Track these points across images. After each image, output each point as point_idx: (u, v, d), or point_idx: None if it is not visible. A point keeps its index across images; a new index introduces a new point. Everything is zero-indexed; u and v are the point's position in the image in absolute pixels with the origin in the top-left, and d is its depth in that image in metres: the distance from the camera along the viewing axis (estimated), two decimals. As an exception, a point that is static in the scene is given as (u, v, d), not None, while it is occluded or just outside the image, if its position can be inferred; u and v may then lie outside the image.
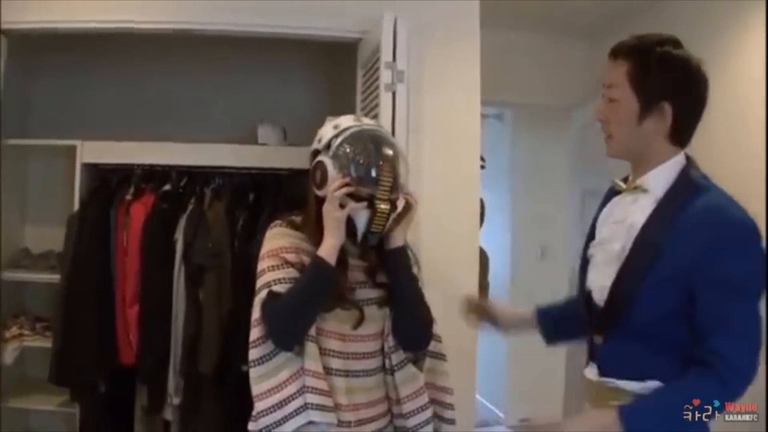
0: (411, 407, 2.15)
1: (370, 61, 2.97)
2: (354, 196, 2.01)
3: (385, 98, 2.77)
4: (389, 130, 2.71)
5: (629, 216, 1.83)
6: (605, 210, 1.99)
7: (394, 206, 2.06)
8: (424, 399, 2.17)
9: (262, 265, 2.06)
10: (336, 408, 2.03)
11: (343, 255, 2.08)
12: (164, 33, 3.26)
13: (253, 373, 2.01)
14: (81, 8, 3.12)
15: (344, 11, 3.15)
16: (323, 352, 2.06)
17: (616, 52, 1.85)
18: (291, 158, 3.46)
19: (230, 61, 3.92)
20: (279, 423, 1.97)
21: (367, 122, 2.14)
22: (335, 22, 3.17)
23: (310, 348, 2.02)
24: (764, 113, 1.60)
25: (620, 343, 1.83)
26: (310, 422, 1.98)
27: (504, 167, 5.98)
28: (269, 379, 2.00)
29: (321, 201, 2.05)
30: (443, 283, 3.06)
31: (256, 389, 2.00)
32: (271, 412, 1.98)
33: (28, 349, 3.71)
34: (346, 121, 2.10)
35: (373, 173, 2.01)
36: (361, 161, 2.03)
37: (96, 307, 3.37)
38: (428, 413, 2.17)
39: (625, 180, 1.90)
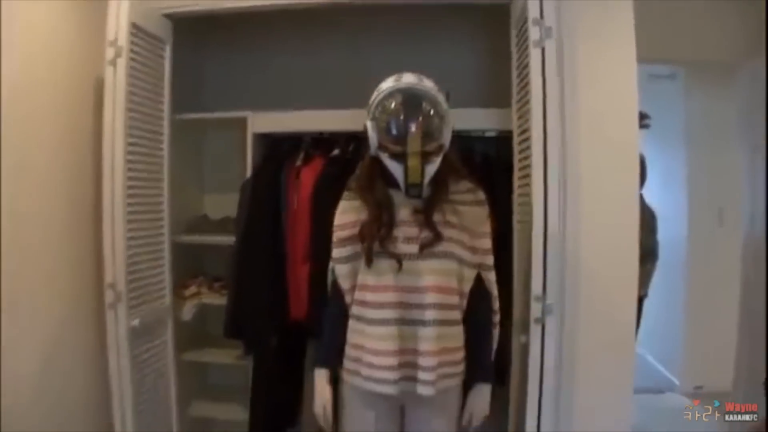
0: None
1: (521, 19, 3.09)
2: (389, 153, 2.38)
3: (534, 55, 2.88)
4: (539, 87, 2.87)
5: None
6: None
7: (437, 154, 2.42)
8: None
9: (334, 234, 2.66)
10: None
11: (390, 211, 2.49)
12: (322, 6, 3.54)
13: None
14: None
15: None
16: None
17: None
18: (456, 120, 3.64)
19: (393, 30, 4.13)
20: None
21: (407, 80, 2.45)
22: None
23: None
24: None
25: None
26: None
27: (679, 128, 5.99)
28: None
29: (372, 158, 2.48)
30: (603, 246, 3.24)
31: None
32: None
33: (206, 307, 4.10)
34: (386, 83, 2.47)
35: (402, 130, 2.35)
36: (390, 120, 2.37)
37: (268, 265, 3.65)
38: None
39: None
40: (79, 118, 3.37)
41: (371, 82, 2.62)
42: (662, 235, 4.98)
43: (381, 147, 2.43)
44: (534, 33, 2.90)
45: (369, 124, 2.44)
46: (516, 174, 3.30)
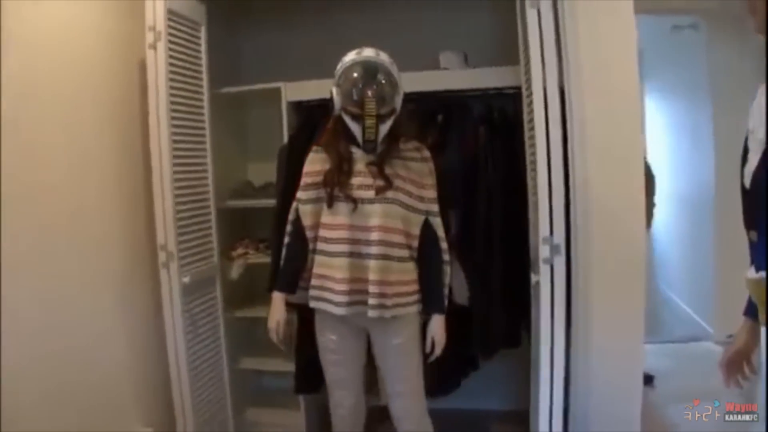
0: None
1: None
2: (350, 114, 2.89)
3: (531, 15, 3.14)
4: (537, 46, 3.13)
5: None
6: (757, 96, 1.94)
7: (389, 116, 2.93)
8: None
9: (302, 179, 3.17)
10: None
11: (349, 163, 3.02)
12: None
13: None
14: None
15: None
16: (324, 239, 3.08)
17: None
18: (472, 79, 3.96)
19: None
20: None
21: (366, 54, 2.94)
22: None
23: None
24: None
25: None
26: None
27: (702, 81, 6.02)
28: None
29: (336, 118, 3.00)
30: (611, 188, 3.46)
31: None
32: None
33: (253, 267, 4.44)
34: (349, 55, 2.97)
35: (361, 96, 2.85)
36: (351, 88, 2.88)
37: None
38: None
39: None
40: (126, 99, 3.72)
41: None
42: (689, 183, 5.01)
43: (344, 110, 2.95)
44: (530, -7, 3.15)
45: (334, 90, 2.96)
46: (526, 127, 3.58)
